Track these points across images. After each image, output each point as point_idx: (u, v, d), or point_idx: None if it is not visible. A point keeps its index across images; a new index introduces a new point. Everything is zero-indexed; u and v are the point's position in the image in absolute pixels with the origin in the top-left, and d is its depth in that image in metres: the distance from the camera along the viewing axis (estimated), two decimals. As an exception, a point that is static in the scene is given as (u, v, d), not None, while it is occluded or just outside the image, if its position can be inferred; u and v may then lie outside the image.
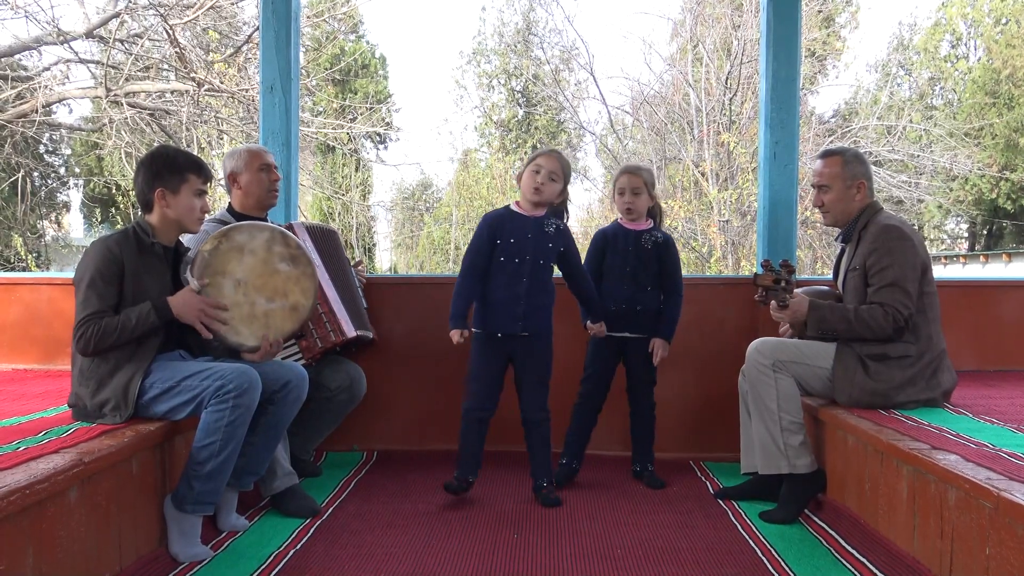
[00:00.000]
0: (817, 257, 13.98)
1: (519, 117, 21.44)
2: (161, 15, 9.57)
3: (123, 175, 11.69)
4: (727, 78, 13.61)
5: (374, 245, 18.09)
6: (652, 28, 44.15)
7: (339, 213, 17.16)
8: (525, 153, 20.86)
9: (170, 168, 2.42)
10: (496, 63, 21.67)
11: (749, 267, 12.32)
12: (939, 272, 14.58)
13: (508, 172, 17.53)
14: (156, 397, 2.32)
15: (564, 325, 3.20)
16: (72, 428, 2.25)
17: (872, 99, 17.40)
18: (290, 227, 3.04)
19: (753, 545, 2.48)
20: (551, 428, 3.01)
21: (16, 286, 4.05)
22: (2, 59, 10.58)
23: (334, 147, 16.13)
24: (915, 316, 2.67)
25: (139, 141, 10.76)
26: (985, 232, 22.67)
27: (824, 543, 2.48)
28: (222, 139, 11.55)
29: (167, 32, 9.62)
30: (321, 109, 16.38)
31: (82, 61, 10.74)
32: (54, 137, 15.56)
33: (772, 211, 3.72)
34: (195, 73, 10.09)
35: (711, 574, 2.26)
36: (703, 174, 13.58)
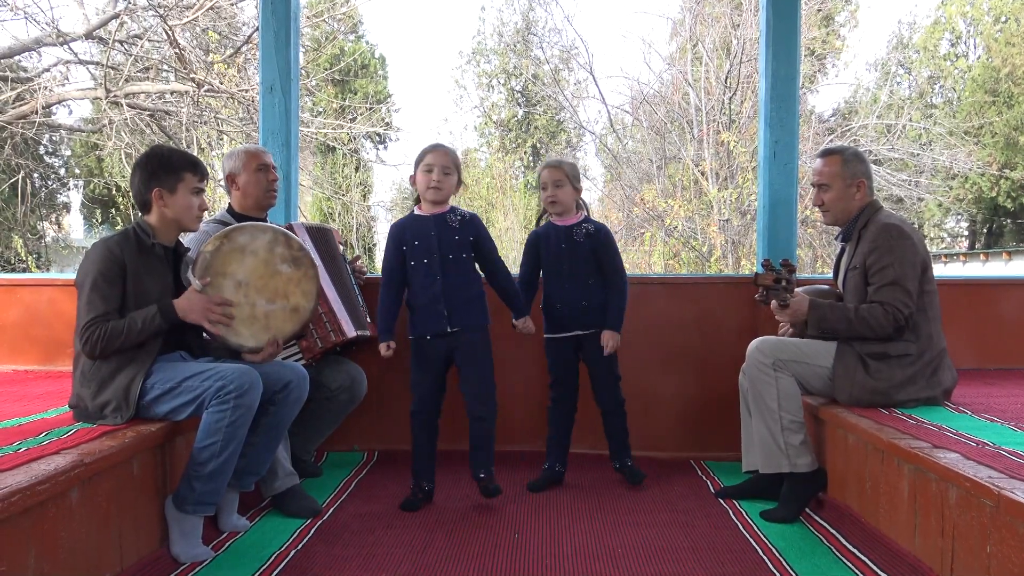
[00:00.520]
0: (817, 256, 13.98)
1: (519, 117, 21.45)
2: (161, 16, 9.57)
3: (123, 176, 11.69)
4: (727, 77, 13.61)
5: (374, 245, 18.08)
6: (651, 27, 44.08)
7: (339, 213, 17.17)
8: (525, 153, 20.88)
9: (166, 167, 2.43)
10: (496, 63, 21.68)
11: (749, 266, 12.32)
12: (939, 271, 14.57)
13: (508, 172, 17.55)
14: (157, 398, 2.32)
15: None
16: (73, 429, 2.25)
17: (872, 98, 17.42)
18: (290, 227, 3.04)
19: (754, 544, 2.48)
20: (496, 424, 2.94)
21: (17, 287, 4.05)
22: (2, 60, 10.58)
23: (334, 147, 16.14)
24: (915, 315, 2.67)
25: (139, 142, 10.75)
26: (985, 230, 22.67)
27: (825, 542, 2.48)
28: (222, 140, 11.55)
29: (167, 33, 9.62)
30: (321, 109, 16.38)
31: (82, 62, 10.74)
32: (54, 138, 15.59)
33: (772, 210, 3.72)
34: (195, 74, 10.08)
35: (712, 573, 2.26)
36: (703, 173, 13.58)
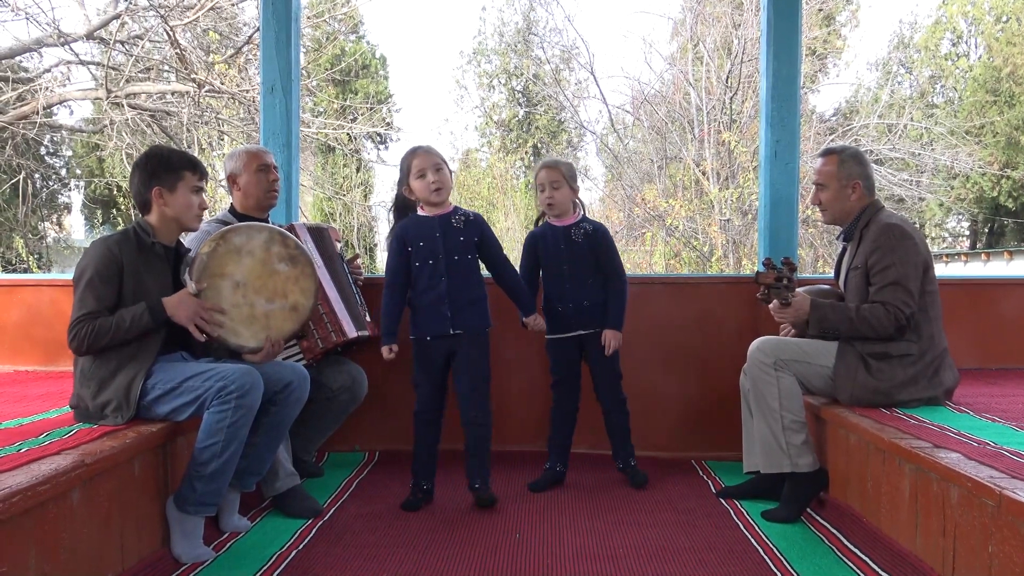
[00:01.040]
0: (818, 255, 13.97)
1: (520, 117, 21.44)
2: (161, 16, 9.57)
3: (124, 176, 11.69)
4: (728, 77, 13.60)
5: (375, 245, 18.09)
6: (652, 27, 44.15)
7: (340, 213, 17.17)
8: (526, 153, 20.86)
9: (165, 167, 2.43)
10: (496, 63, 21.67)
11: (750, 266, 12.31)
12: (940, 270, 14.55)
13: (509, 172, 17.54)
14: (158, 398, 2.32)
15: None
16: (74, 429, 2.25)
17: (873, 97, 17.40)
18: (291, 228, 3.04)
19: (755, 544, 2.48)
20: (491, 430, 2.91)
21: (18, 287, 4.06)
22: (3, 61, 10.59)
23: (335, 147, 16.13)
24: (917, 315, 2.67)
25: (140, 142, 10.75)
26: (986, 230, 22.66)
27: (826, 542, 2.48)
28: (223, 140, 11.56)
29: (167, 33, 9.63)
30: (322, 110, 16.37)
31: (83, 63, 10.75)
32: (55, 139, 15.59)
33: (773, 210, 3.72)
34: (196, 74, 10.08)
35: (713, 573, 2.26)
36: (704, 173, 13.57)
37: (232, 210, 3.12)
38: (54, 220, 18.02)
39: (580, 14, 34.68)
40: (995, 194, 20.38)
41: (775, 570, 2.27)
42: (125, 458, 2.13)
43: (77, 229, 19.94)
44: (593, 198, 18.21)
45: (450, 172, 2.94)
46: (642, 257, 14.45)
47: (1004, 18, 20.51)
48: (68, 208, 19.02)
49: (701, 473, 3.39)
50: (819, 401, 2.85)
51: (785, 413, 2.73)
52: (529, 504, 2.93)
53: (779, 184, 3.71)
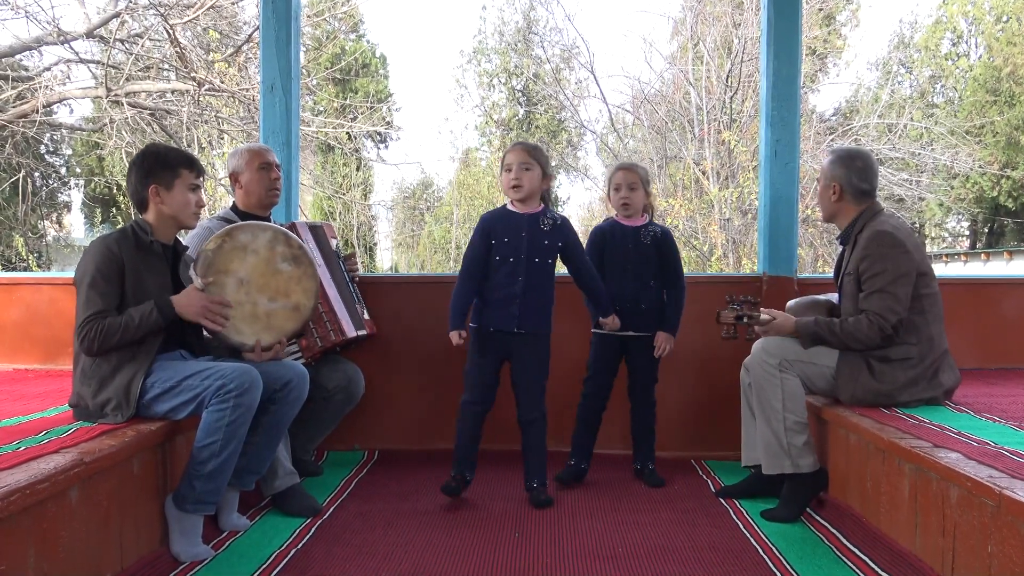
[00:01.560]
0: (818, 255, 13.97)
1: (520, 116, 21.42)
2: (161, 15, 9.56)
3: (124, 175, 11.65)
4: (728, 76, 13.60)
5: (375, 244, 18.11)
6: (652, 26, 44.21)
7: (340, 212, 17.18)
8: (526, 152, 20.82)
9: (162, 164, 2.43)
10: (496, 62, 21.66)
11: (750, 265, 12.31)
12: (940, 270, 14.57)
13: (509, 171, 17.49)
14: (157, 397, 2.32)
15: (567, 324, 3.19)
16: (73, 428, 2.25)
17: (873, 97, 17.39)
18: (292, 227, 3.04)
19: (755, 544, 2.48)
20: (547, 428, 2.97)
21: (17, 286, 4.05)
22: (3, 59, 10.58)
23: (335, 146, 16.13)
24: (915, 317, 2.66)
25: (140, 141, 10.73)
26: (986, 230, 22.66)
27: (826, 541, 2.48)
28: (223, 139, 11.55)
29: (167, 32, 9.62)
30: (322, 108, 16.37)
31: (83, 61, 10.74)
32: (55, 137, 15.57)
33: (773, 209, 3.72)
34: (195, 73, 10.08)
35: (713, 573, 2.26)
36: (704, 172, 13.57)
37: (234, 208, 3.12)
38: (54, 219, 18.01)
39: (580, 13, 34.75)
40: (995, 194, 20.38)
41: (774, 570, 2.27)
42: (124, 457, 2.13)
43: (77, 228, 19.96)
44: (593, 197, 18.23)
45: (544, 175, 2.94)
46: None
47: (1004, 18, 20.52)
48: (68, 207, 19.02)
49: (701, 473, 3.39)
50: (821, 401, 2.85)
51: (788, 414, 2.73)
52: (528, 503, 2.92)
53: (779, 184, 3.71)
